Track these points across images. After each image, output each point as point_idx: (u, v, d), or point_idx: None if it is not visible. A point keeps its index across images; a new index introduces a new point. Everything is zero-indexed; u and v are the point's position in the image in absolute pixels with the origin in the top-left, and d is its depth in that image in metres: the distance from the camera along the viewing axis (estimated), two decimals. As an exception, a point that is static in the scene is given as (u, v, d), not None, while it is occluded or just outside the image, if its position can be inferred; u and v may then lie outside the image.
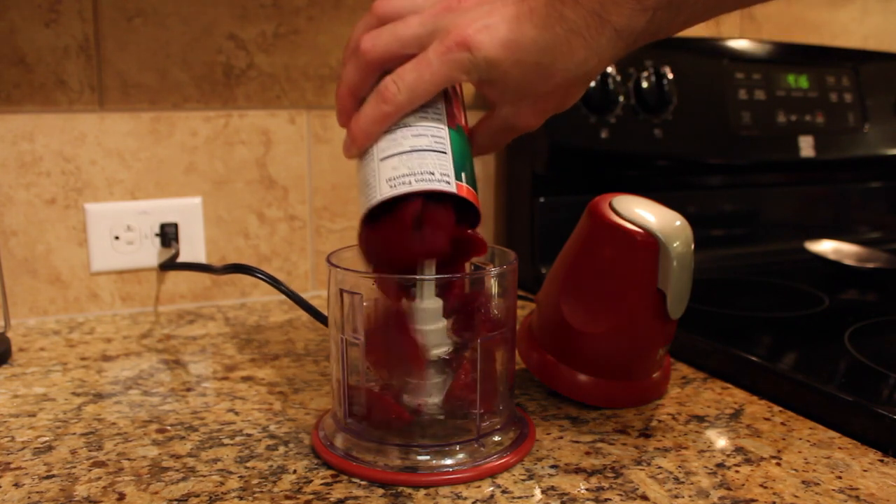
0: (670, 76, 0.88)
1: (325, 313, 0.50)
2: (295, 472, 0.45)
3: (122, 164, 0.77)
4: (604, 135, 0.84)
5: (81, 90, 0.74)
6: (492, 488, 0.43)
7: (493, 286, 0.45)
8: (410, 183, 0.42)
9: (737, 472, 0.45)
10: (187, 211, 0.79)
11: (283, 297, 0.85)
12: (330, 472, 0.45)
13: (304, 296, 0.85)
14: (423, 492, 0.43)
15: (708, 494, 0.42)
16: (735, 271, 0.90)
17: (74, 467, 0.45)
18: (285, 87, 0.81)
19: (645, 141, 0.86)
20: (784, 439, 0.49)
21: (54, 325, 0.74)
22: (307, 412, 0.53)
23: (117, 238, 0.77)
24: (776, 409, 0.54)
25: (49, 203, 0.75)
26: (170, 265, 0.74)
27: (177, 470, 0.45)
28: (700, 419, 0.52)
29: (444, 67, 0.43)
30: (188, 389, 0.58)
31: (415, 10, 0.45)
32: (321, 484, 0.43)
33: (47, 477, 0.44)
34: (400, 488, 0.43)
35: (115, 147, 0.76)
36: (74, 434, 0.50)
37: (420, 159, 0.43)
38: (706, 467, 0.45)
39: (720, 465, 0.45)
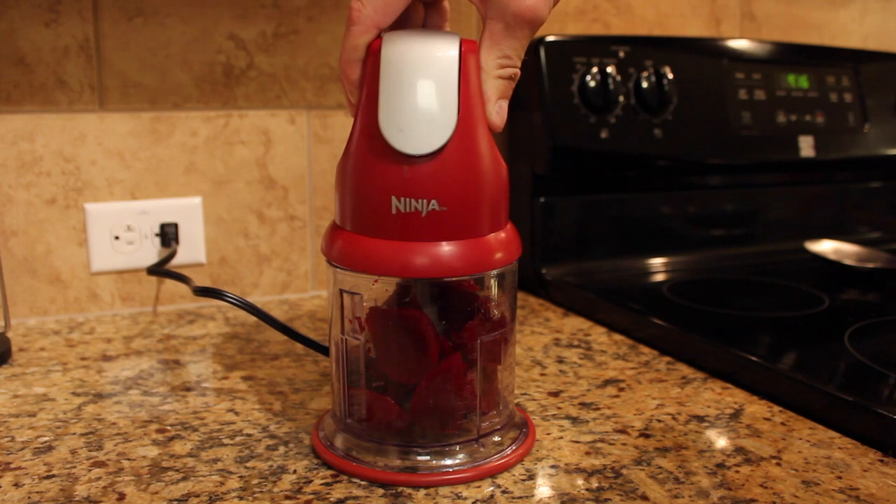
0: (670, 76, 0.88)
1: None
2: (295, 472, 0.45)
3: (122, 164, 0.77)
4: (604, 135, 0.84)
5: (81, 90, 0.74)
6: (492, 488, 0.43)
7: (493, 286, 0.45)
8: None
9: (737, 472, 0.45)
10: (187, 211, 0.79)
11: (282, 297, 0.85)
12: (330, 472, 0.45)
13: (304, 296, 0.85)
14: (423, 492, 0.43)
15: (708, 494, 0.42)
16: (735, 271, 0.90)
17: (74, 467, 0.45)
18: (285, 87, 0.81)
19: (645, 141, 0.86)
20: (784, 439, 0.49)
21: (54, 325, 0.74)
22: (307, 412, 0.53)
23: (117, 238, 0.77)
24: (776, 409, 0.54)
25: (49, 203, 0.75)
26: (157, 271, 0.73)
27: (177, 470, 0.45)
28: (700, 419, 0.52)
29: None
30: (188, 389, 0.58)
31: None
32: (321, 484, 0.43)
33: (47, 477, 0.44)
34: (400, 488, 0.43)
35: (115, 147, 0.76)
36: (74, 434, 0.50)
37: None
38: (706, 467, 0.45)
39: (720, 465, 0.45)
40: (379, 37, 0.42)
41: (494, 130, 0.44)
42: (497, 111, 0.43)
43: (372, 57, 0.42)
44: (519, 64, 0.44)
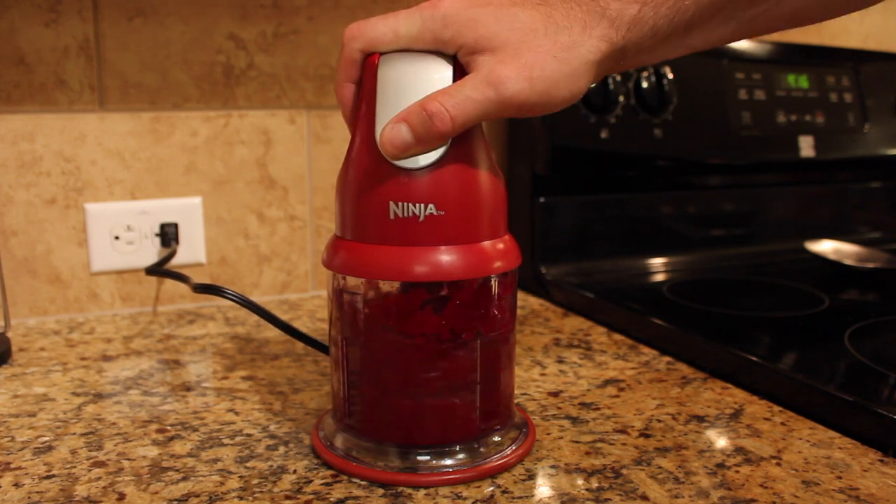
0: (670, 76, 0.88)
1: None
2: (295, 472, 0.45)
3: (122, 164, 0.77)
4: (604, 135, 0.84)
5: (81, 90, 0.74)
6: (492, 488, 0.43)
7: (493, 286, 0.45)
8: None
9: (737, 472, 0.45)
10: (187, 211, 0.79)
11: (282, 297, 0.85)
12: (330, 472, 0.45)
13: (304, 296, 0.85)
14: (423, 492, 0.43)
15: (708, 494, 0.42)
16: (735, 271, 0.90)
17: (74, 467, 0.45)
18: (285, 87, 0.81)
19: (645, 141, 0.86)
20: (784, 439, 0.49)
21: (54, 325, 0.74)
22: (307, 412, 0.53)
23: (117, 238, 0.77)
24: (776, 409, 0.54)
25: (49, 203, 0.75)
26: (155, 270, 0.73)
27: (177, 470, 0.45)
28: (700, 419, 0.52)
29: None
30: (188, 389, 0.58)
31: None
32: (321, 484, 0.43)
33: (47, 477, 0.44)
34: (400, 488, 0.43)
35: (115, 147, 0.76)
36: (74, 434, 0.50)
37: None
38: (706, 467, 0.45)
39: (720, 465, 0.45)
40: (376, 53, 0.43)
41: (381, 150, 0.41)
42: (391, 130, 0.40)
43: (369, 73, 0.43)
44: (454, 112, 0.40)
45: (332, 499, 0.42)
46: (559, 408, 0.54)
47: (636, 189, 0.90)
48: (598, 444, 0.48)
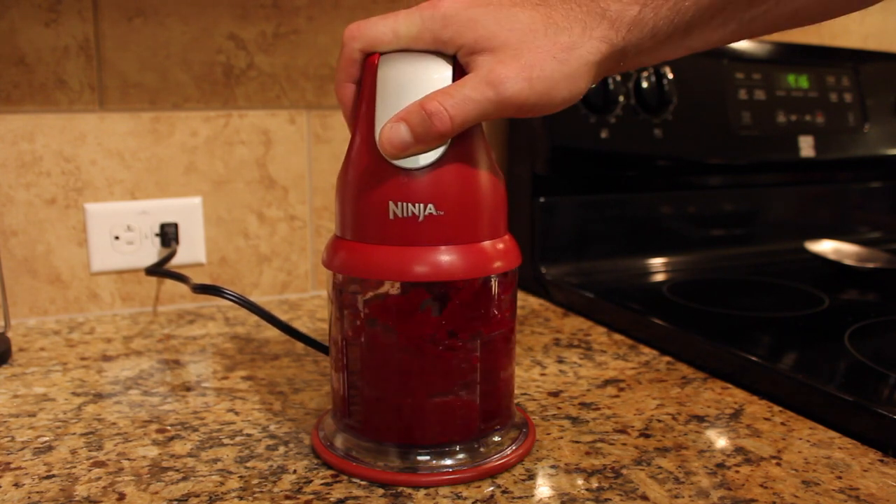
0: (670, 76, 0.88)
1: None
2: (295, 472, 0.45)
3: (122, 164, 0.77)
4: (604, 135, 0.84)
5: (81, 90, 0.74)
6: (492, 488, 0.43)
7: (493, 286, 0.45)
8: None
9: (737, 472, 0.45)
10: (187, 211, 0.79)
11: (282, 297, 0.85)
12: (330, 472, 0.45)
13: (304, 296, 0.85)
14: (423, 492, 0.43)
15: (708, 494, 0.42)
16: (735, 271, 0.90)
17: (74, 467, 0.45)
18: (285, 87, 0.81)
19: (645, 141, 0.86)
20: (784, 439, 0.49)
21: (54, 325, 0.74)
22: (307, 412, 0.53)
23: (117, 238, 0.77)
24: (776, 409, 0.54)
25: (49, 203, 0.75)
26: (155, 270, 0.73)
27: (177, 470, 0.45)
28: (700, 419, 0.52)
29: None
30: (188, 389, 0.58)
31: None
32: (321, 484, 0.43)
33: (47, 477, 0.44)
34: (400, 488, 0.43)
35: (115, 147, 0.76)
36: (74, 434, 0.50)
37: None
38: (706, 467, 0.45)
39: (720, 465, 0.45)
40: (376, 53, 0.43)
41: (380, 149, 0.41)
42: (390, 129, 0.40)
43: (369, 73, 0.43)
44: (453, 112, 0.40)
45: (332, 499, 0.42)
46: (559, 408, 0.54)
47: (636, 189, 0.90)
48: (598, 444, 0.48)
